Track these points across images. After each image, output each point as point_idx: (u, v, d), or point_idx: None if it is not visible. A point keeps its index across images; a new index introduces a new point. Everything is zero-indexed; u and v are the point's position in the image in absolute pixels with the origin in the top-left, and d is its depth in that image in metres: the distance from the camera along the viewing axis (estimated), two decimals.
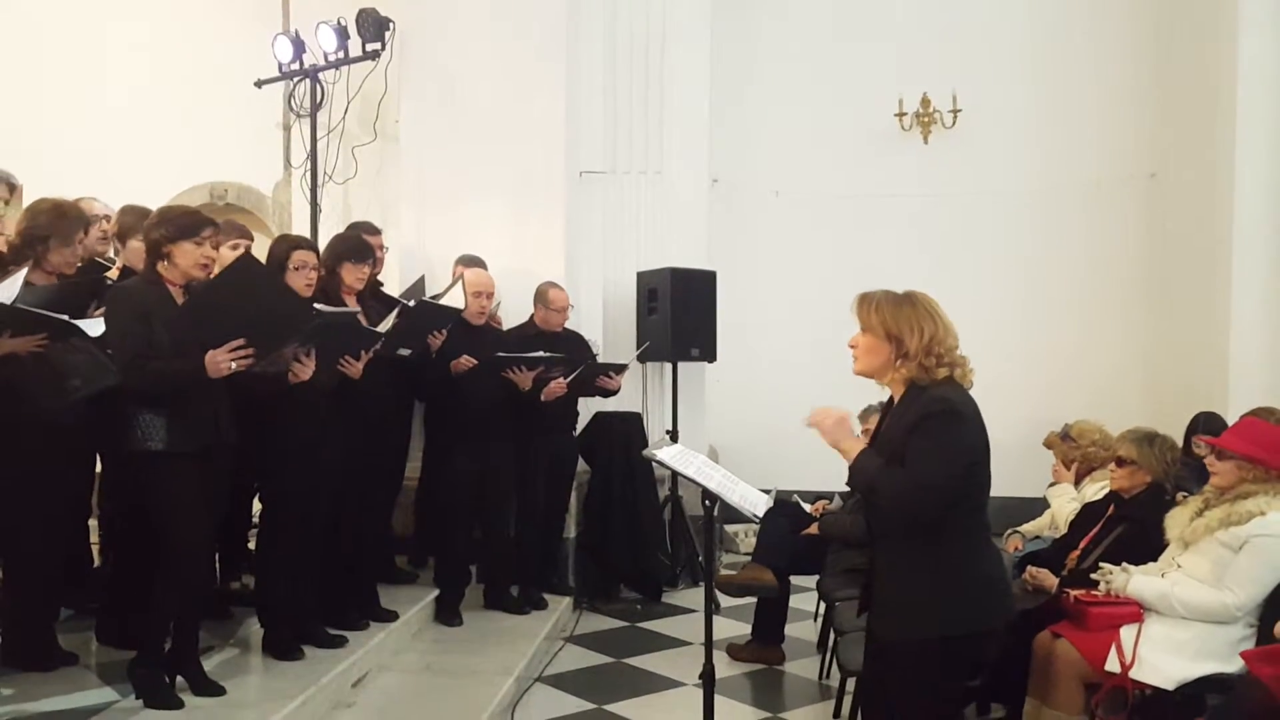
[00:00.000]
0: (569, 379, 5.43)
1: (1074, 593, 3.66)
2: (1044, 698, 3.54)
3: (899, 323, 2.67)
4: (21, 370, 3.42)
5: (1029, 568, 4.18)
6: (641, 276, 6.69)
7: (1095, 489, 4.65)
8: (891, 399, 2.82)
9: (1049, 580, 4.01)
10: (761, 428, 7.05)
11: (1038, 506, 5.52)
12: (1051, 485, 5.40)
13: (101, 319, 3.51)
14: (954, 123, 7.78)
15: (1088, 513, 4.42)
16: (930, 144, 7.87)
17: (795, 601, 5.34)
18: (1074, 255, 7.66)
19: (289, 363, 3.72)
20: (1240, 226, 6.59)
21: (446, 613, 5.19)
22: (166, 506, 3.42)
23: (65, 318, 3.36)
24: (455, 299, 4.98)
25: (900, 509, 2.63)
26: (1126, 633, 3.42)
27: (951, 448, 2.59)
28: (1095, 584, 3.66)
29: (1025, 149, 7.76)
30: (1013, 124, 7.78)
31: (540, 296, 5.72)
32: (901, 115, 7.91)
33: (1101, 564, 3.72)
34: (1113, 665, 3.38)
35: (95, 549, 4.43)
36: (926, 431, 2.59)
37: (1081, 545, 4.18)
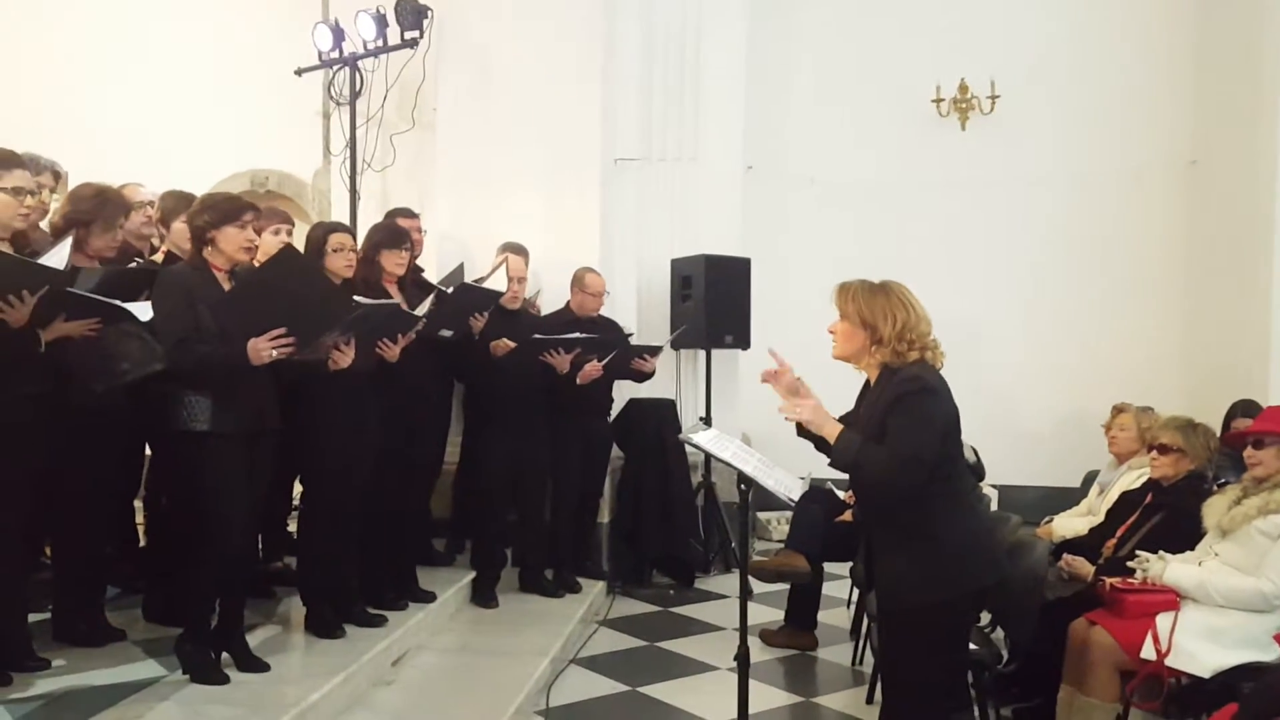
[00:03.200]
0: (604, 361, 5.48)
1: (1110, 580, 3.66)
2: (1079, 685, 3.55)
3: (874, 311, 2.87)
4: (73, 353, 3.49)
5: (1065, 555, 4.18)
6: (676, 263, 6.70)
7: (1134, 476, 4.63)
8: (868, 382, 2.97)
9: (1085, 568, 4.00)
10: None
11: (1075, 496, 5.50)
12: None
13: (149, 303, 3.58)
14: (992, 109, 7.72)
15: (1125, 501, 4.41)
16: (968, 130, 7.81)
17: (828, 588, 5.36)
18: (1113, 242, 7.57)
19: (329, 351, 3.79)
20: None
21: (483, 595, 5.25)
22: (209, 486, 3.49)
23: (118, 302, 3.43)
24: (498, 283, 5.05)
25: (885, 481, 2.78)
26: (1163, 620, 3.41)
27: (927, 420, 2.76)
28: (1132, 572, 3.66)
29: (1064, 135, 7.67)
30: (1051, 110, 7.69)
31: (577, 281, 5.76)
32: (939, 101, 7.85)
33: (1138, 552, 3.71)
34: (1148, 653, 3.37)
35: (141, 529, 4.53)
36: (903, 409, 2.75)
37: (1119, 533, 4.17)
